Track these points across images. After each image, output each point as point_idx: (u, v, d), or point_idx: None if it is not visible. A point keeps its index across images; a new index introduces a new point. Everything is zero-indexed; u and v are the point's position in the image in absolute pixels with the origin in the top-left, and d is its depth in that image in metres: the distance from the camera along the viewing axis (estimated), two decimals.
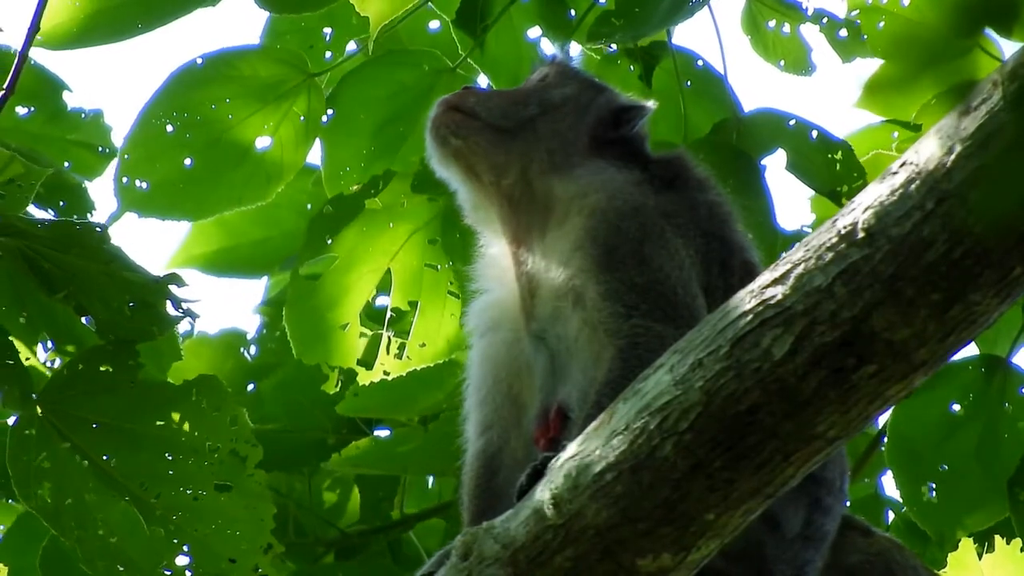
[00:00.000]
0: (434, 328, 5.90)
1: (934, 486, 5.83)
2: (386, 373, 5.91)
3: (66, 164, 6.48)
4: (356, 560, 6.48)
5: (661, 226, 4.43)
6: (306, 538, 6.50)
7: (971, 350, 6.03)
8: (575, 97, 4.72)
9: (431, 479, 6.69)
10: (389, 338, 5.92)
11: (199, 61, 6.07)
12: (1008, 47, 3.78)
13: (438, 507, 6.61)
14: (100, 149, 6.61)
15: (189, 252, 6.69)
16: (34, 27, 4.93)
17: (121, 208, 6.05)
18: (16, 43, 5.91)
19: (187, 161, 6.04)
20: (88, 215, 6.23)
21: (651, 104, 4.75)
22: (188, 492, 4.77)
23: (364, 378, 5.91)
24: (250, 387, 6.59)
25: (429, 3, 6.16)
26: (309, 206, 6.63)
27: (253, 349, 6.74)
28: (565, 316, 4.40)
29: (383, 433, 6.54)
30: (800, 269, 3.80)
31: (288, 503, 6.44)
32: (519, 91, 4.79)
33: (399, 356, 5.92)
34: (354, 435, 6.51)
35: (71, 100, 6.56)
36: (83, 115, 6.57)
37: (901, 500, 5.91)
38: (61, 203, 5.63)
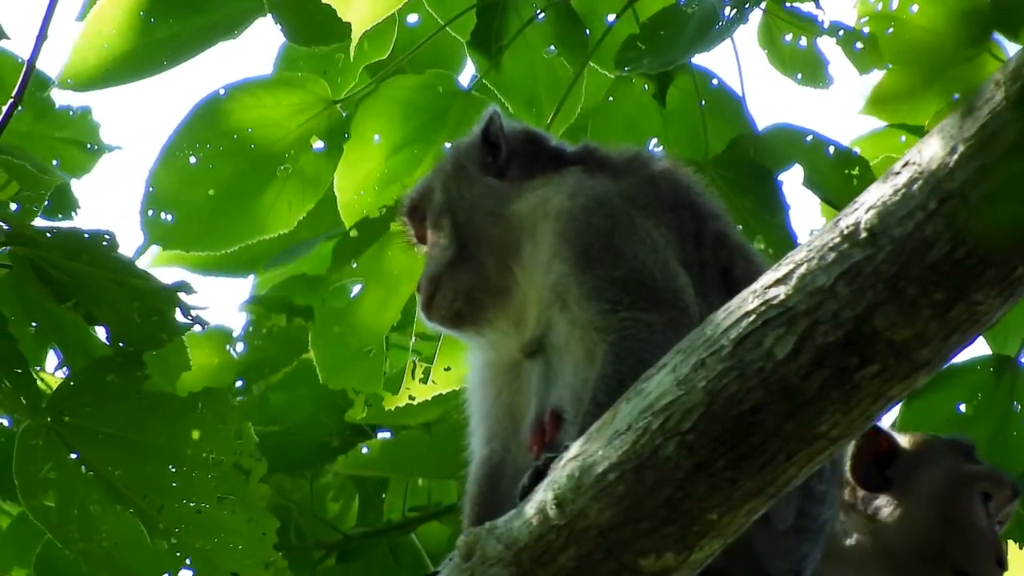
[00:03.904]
0: (459, 352, 5.88)
1: None
2: (411, 398, 5.90)
3: (54, 162, 6.47)
4: (358, 563, 6.47)
5: (628, 212, 4.43)
6: (306, 541, 6.49)
7: (981, 350, 6.06)
8: (443, 181, 4.69)
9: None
10: (414, 362, 5.91)
11: (222, 92, 6.06)
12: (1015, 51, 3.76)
13: (440, 510, 6.61)
14: (88, 146, 6.59)
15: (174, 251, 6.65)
16: (42, 35, 4.92)
17: (148, 241, 6.03)
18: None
19: (211, 191, 6.03)
20: (72, 213, 6.23)
21: (491, 108, 4.73)
22: (191, 505, 4.74)
23: (390, 403, 5.90)
24: (238, 383, 6.57)
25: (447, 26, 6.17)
26: None
27: (240, 346, 6.73)
28: (554, 322, 4.41)
29: (385, 435, 6.54)
30: (803, 269, 3.79)
31: (290, 506, 6.44)
32: (429, 246, 4.71)
33: (424, 380, 5.90)
34: (358, 437, 6.50)
35: (59, 97, 6.56)
36: (71, 112, 6.56)
37: None
38: (46, 203, 5.63)
